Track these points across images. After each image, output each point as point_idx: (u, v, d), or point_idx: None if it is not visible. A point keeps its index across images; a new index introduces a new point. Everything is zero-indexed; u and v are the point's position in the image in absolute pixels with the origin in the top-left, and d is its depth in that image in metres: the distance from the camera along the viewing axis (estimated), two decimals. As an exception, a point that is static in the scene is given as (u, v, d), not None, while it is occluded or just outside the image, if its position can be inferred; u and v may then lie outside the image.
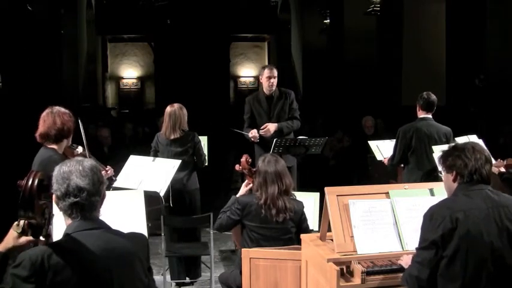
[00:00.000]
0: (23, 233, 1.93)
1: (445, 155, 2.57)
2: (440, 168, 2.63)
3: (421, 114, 5.12)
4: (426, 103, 5.09)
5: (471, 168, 2.46)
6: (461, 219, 2.35)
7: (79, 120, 3.85)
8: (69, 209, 2.00)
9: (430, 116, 5.12)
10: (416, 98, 5.18)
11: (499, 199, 2.46)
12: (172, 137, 4.93)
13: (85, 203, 2.00)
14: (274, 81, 5.29)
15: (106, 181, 2.13)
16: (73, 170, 2.01)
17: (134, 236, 2.13)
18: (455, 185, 2.52)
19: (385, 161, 5.49)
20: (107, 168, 3.97)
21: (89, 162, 2.08)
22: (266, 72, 5.29)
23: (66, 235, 1.99)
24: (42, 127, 3.52)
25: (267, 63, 19.98)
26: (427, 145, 4.99)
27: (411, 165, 5.11)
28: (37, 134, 3.53)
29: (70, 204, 1.99)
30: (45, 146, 3.54)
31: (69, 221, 2.02)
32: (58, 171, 2.02)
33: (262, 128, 5.23)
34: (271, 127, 5.22)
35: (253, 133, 5.26)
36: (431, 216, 2.42)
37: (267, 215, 3.61)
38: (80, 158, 2.11)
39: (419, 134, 5.04)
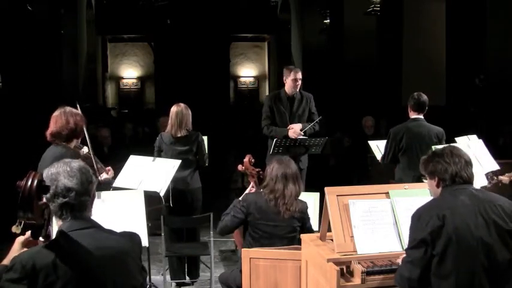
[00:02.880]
0: (23, 233, 1.93)
1: (425, 162, 2.63)
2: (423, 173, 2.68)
3: (413, 115, 5.11)
4: (417, 104, 5.07)
5: (451, 172, 2.52)
6: (448, 216, 2.39)
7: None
8: (59, 210, 2.00)
9: (421, 116, 5.09)
10: (417, 98, 5.17)
11: (484, 196, 2.51)
12: (178, 135, 4.95)
13: (74, 203, 2.00)
14: (300, 83, 5.38)
15: (95, 180, 2.12)
16: (60, 171, 2.02)
17: (127, 235, 2.13)
18: (439, 189, 2.57)
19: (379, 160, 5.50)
20: (107, 169, 3.96)
21: (76, 162, 2.08)
22: (292, 74, 5.34)
23: (58, 236, 1.99)
24: (54, 126, 3.52)
25: (267, 63, 19.99)
26: (418, 146, 4.98)
27: (403, 165, 5.10)
28: (48, 133, 3.53)
29: (59, 205, 1.99)
30: (55, 143, 3.53)
31: (60, 222, 2.02)
32: (46, 173, 2.02)
33: (288, 128, 5.24)
34: (297, 127, 5.24)
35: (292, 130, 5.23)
36: (419, 217, 2.45)
37: (274, 211, 3.60)
38: (67, 160, 2.10)
39: (410, 134, 5.03)
